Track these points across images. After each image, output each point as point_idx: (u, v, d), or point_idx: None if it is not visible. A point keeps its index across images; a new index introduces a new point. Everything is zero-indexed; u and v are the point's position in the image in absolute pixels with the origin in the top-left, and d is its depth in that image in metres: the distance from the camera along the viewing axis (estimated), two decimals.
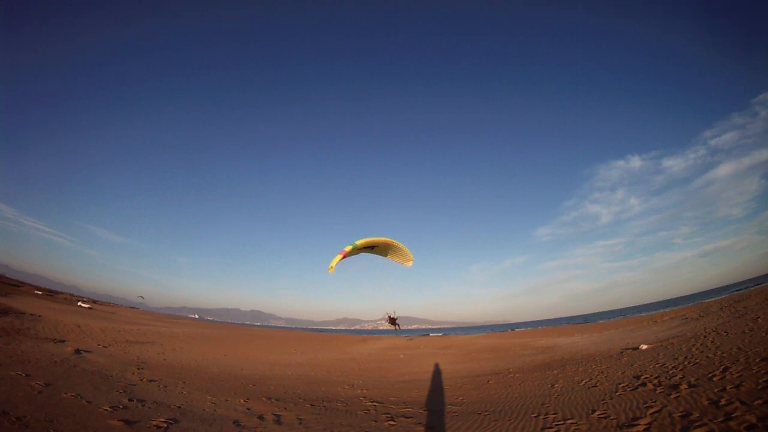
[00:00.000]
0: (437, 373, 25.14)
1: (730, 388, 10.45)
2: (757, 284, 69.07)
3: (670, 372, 14.05)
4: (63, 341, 22.81)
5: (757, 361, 12.43)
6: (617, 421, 10.12)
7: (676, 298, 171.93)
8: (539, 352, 32.26)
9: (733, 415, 8.66)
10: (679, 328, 27.84)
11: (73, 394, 11.58)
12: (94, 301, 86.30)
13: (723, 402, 9.55)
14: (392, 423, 12.24)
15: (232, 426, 10.98)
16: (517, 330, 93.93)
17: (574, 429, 10.11)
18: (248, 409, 13.41)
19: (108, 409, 10.62)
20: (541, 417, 11.67)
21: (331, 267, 19.72)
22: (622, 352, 21.95)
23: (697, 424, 8.73)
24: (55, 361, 16.48)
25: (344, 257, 20.34)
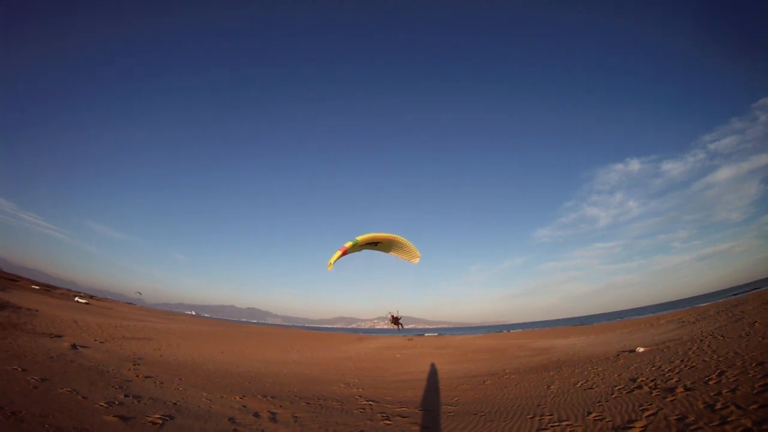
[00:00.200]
0: (433, 373, 25.14)
1: (726, 392, 10.46)
2: (755, 288, 69.19)
3: (667, 375, 14.06)
4: (60, 336, 22.79)
5: (754, 365, 12.44)
6: (613, 423, 10.13)
7: (674, 301, 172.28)
8: (536, 353, 32.28)
9: (729, 419, 8.66)
10: (676, 332, 27.88)
11: (69, 389, 11.55)
12: (92, 297, 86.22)
13: (719, 406, 9.56)
14: (388, 422, 12.23)
15: (227, 423, 10.96)
16: (513, 331, 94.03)
17: (570, 431, 10.11)
18: (244, 406, 13.40)
19: (104, 404, 10.60)
20: (537, 418, 11.67)
21: (330, 264, 19.48)
22: (618, 355, 21.97)
23: (692, 427, 8.74)
24: (52, 356, 16.45)
25: (344, 254, 20.01)
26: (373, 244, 21.78)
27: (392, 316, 25.57)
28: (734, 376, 11.75)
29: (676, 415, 9.69)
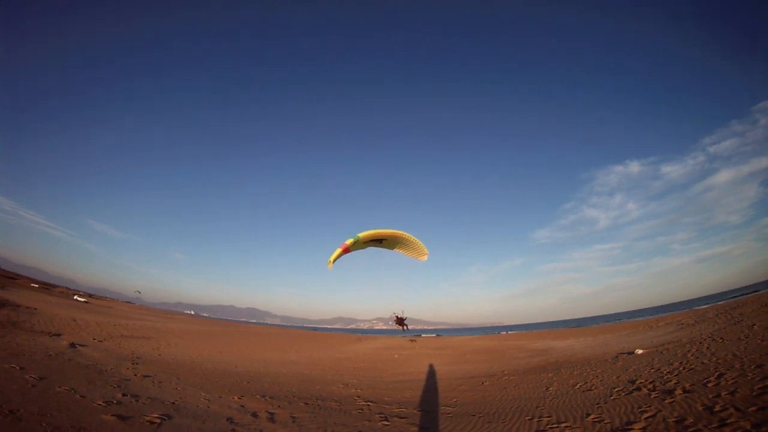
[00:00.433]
0: (432, 373, 25.12)
1: (725, 394, 10.45)
2: (754, 291, 69.21)
3: (665, 377, 14.05)
4: (58, 335, 22.77)
5: (753, 368, 12.43)
6: (612, 425, 10.12)
7: (673, 303, 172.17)
8: (534, 354, 32.27)
9: (728, 422, 8.65)
10: (675, 334, 27.87)
11: (67, 388, 11.53)
12: (90, 295, 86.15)
13: (718, 408, 9.55)
14: (386, 423, 12.22)
15: (225, 423, 10.95)
16: (512, 332, 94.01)
17: None
18: (242, 406, 13.38)
19: (102, 403, 10.58)
20: (536, 420, 11.67)
21: (330, 262, 19.20)
22: (617, 357, 21.97)
23: (691, 429, 8.73)
24: (50, 355, 16.43)
25: (345, 252, 19.45)
26: (378, 242, 21.11)
27: (397, 316, 25.16)
28: (733, 379, 11.74)
29: (675, 417, 9.68)
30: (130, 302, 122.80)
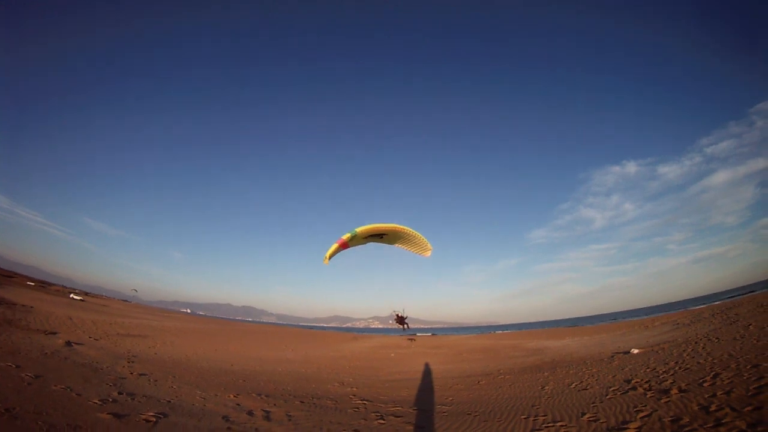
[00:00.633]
0: (428, 372, 25.13)
1: (721, 394, 10.48)
2: (750, 292, 69.45)
3: (661, 377, 14.08)
4: (54, 333, 22.71)
5: (748, 367, 12.47)
6: (607, 424, 10.14)
7: (669, 303, 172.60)
8: (530, 354, 32.33)
9: (724, 421, 8.68)
10: (671, 334, 27.94)
11: (63, 386, 11.51)
12: (87, 294, 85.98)
13: (713, 408, 9.58)
14: (382, 422, 12.22)
15: (221, 421, 10.93)
16: (508, 331, 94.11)
17: (564, 431, 10.12)
18: (238, 404, 13.37)
19: (97, 402, 10.56)
20: (531, 419, 11.68)
21: (326, 258, 18.64)
22: (613, 356, 22.01)
23: (687, 429, 8.75)
24: (46, 353, 16.40)
25: (342, 247, 19.17)
26: (378, 237, 20.56)
27: (398, 315, 24.84)
28: (729, 378, 11.77)
29: (671, 416, 9.71)
30: (126, 301, 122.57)
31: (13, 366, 12.88)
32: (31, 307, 31.83)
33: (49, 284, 78.29)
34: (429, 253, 21.48)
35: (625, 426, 9.70)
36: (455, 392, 17.38)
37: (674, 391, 11.80)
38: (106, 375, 14.68)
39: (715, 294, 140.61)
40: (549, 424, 10.84)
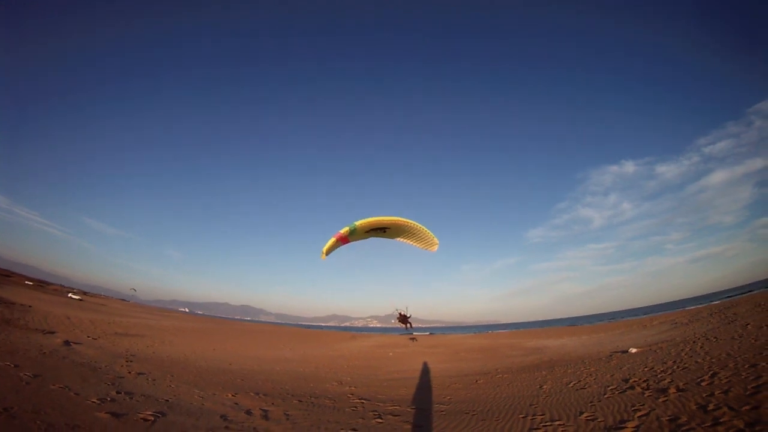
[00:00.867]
0: (425, 371, 25.13)
1: (719, 393, 10.50)
2: (748, 291, 69.53)
3: (659, 376, 14.11)
4: (52, 332, 22.68)
5: (746, 367, 12.49)
6: (605, 423, 10.16)
7: (667, 303, 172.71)
8: (528, 353, 32.35)
9: (721, 420, 8.69)
10: (669, 333, 27.99)
11: (61, 385, 11.49)
12: (85, 293, 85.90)
13: (711, 407, 9.59)
14: (380, 421, 12.23)
15: (219, 420, 10.93)
16: (506, 331, 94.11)
17: (562, 430, 10.13)
18: (236, 403, 13.37)
19: (96, 401, 10.55)
20: (529, 418, 11.69)
21: (323, 253, 18.18)
22: (611, 355, 22.03)
23: (685, 428, 8.77)
24: (44, 353, 16.37)
25: (342, 242, 18.49)
26: (380, 231, 19.57)
27: (400, 314, 24.33)
28: (727, 378, 11.80)
29: (669, 415, 9.72)
30: (124, 300, 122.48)
31: (12, 365, 12.86)
32: (30, 306, 31.79)
33: (48, 283, 78.22)
34: (436, 248, 20.53)
35: (623, 425, 9.71)
36: (453, 391, 17.39)
37: (672, 390, 11.82)
38: (104, 374, 14.67)
39: (713, 293, 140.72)
40: (547, 423, 10.85)
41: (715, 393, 10.57)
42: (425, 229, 19.47)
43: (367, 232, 19.18)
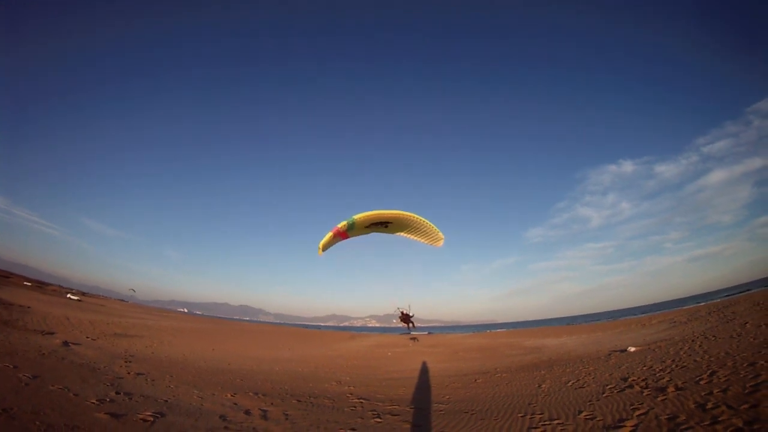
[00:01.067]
0: (424, 371, 25.13)
1: (717, 391, 10.52)
2: (746, 290, 69.61)
3: (658, 375, 14.12)
4: (51, 333, 22.67)
5: (745, 365, 12.51)
6: (604, 422, 10.17)
7: (665, 302, 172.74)
8: (527, 352, 32.37)
9: (720, 419, 8.71)
10: (668, 332, 28.02)
11: (61, 386, 11.48)
12: (84, 294, 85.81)
13: (710, 405, 9.61)
14: (378, 420, 12.23)
15: (218, 420, 10.93)
16: (505, 330, 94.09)
17: (561, 429, 10.14)
18: (235, 403, 13.37)
19: (95, 401, 10.54)
20: (528, 417, 11.71)
21: (320, 248, 17.61)
22: (609, 354, 22.05)
23: (683, 427, 8.78)
24: (43, 353, 16.36)
25: (341, 237, 17.85)
26: (382, 226, 18.76)
27: (402, 312, 23.68)
28: (725, 376, 11.82)
29: (667, 414, 9.74)
30: (123, 300, 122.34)
31: (11, 366, 12.85)
32: (28, 307, 31.75)
33: (46, 284, 78.15)
34: (441, 243, 19.79)
35: (622, 424, 9.73)
36: (452, 390, 17.39)
37: (671, 388, 11.84)
38: (103, 375, 14.66)
39: (711, 292, 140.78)
40: (546, 422, 10.86)
41: (714, 391, 10.59)
42: (429, 223, 18.80)
43: (367, 227, 18.57)
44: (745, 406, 9.11)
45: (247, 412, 12.25)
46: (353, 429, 11.22)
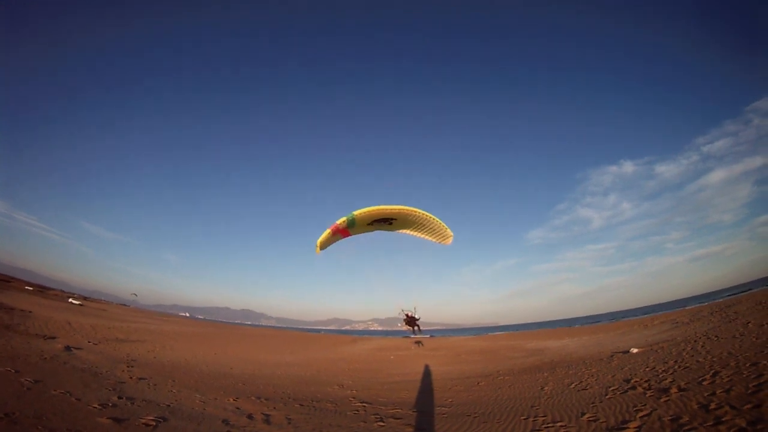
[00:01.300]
0: (427, 374, 25.07)
1: (720, 392, 10.50)
2: (748, 290, 69.52)
3: (661, 376, 14.10)
4: (53, 338, 22.66)
5: (747, 365, 12.50)
6: (607, 424, 10.15)
7: (667, 302, 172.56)
8: (529, 354, 32.30)
9: (723, 419, 8.69)
10: (670, 332, 27.97)
11: (63, 391, 11.49)
12: (85, 298, 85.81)
13: (713, 406, 9.60)
14: (381, 424, 12.21)
15: (221, 425, 10.92)
16: (506, 332, 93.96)
17: (564, 431, 10.12)
18: (237, 408, 13.35)
19: (97, 406, 10.55)
20: (531, 419, 11.68)
21: (318, 246, 17.32)
22: (612, 356, 22.01)
23: (686, 427, 8.77)
24: (45, 358, 16.36)
25: (342, 235, 17.30)
26: (386, 223, 17.83)
27: (407, 315, 22.93)
28: (728, 377, 11.80)
29: (670, 415, 9.72)
30: (125, 305, 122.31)
31: (13, 371, 12.86)
32: (30, 311, 31.74)
33: (48, 289, 78.17)
34: (450, 240, 18.92)
35: (625, 425, 9.71)
36: (455, 394, 17.36)
37: (674, 389, 11.82)
38: (105, 379, 14.65)
39: (713, 292, 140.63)
40: (549, 425, 10.84)
41: (717, 392, 10.57)
42: (437, 219, 17.97)
43: (370, 224, 17.81)
44: (748, 406, 9.10)
45: (250, 417, 12.23)
46: None
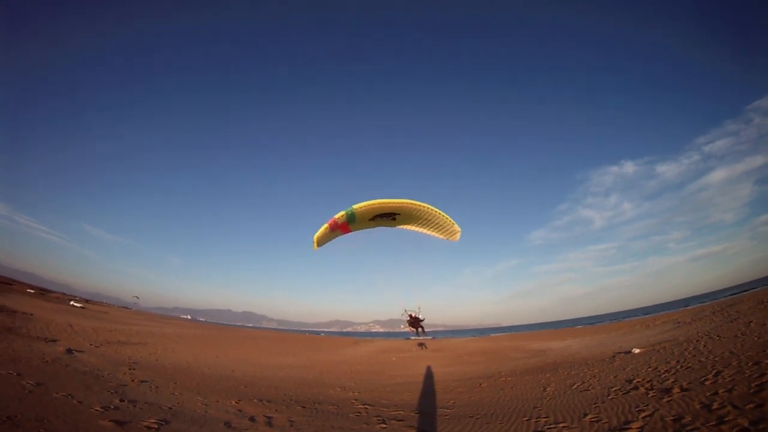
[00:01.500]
0: (429, 376, 25.06)
1: (723, 392, 10.48)
2: (750, 289, 69.42)
3: (663, 376, 14.08)
4: (54, 340, 22.65)
5: (750, 365, 12.47)
6: (609, 424, 10.14)
7: (669, 302, 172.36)
8: (531, 355, 32.30)
9: (726, 419, 8.68)
10: (672, 332, 27.93)
11: (64, 393, 11.48)
12: (87, 301, 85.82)
13: (715, 406, 9.58)
14: (384, 426, 12.20)
15: (223, 427, 10.91)
16: (508, 333, 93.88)
17: None
18: (239, 410, 13.34)
19: (99, 409, 10.54)
20: (533, 420, 11.67)
21: (315, 242, 16.68)
22: (614, 356, 21.99)
23: (689, 428, 8.75)
24: (47, 361, 16.35)
25: (342, 230, 16.55)
26: (389, 218, 16.99)
27: (411, 316, 22.39)
28: (730, 376, 11.78)
29: (673, 415, 9.71)
30: (126, 307, 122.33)
31: (14, 374, 12.85)
32: (31, 314, 31.74)
33: (49, 291, 78.17)
34: (458, 236, 17.99)
35: (628, 426, 9.70)
36: (457, 395, 17.35)
37: (676, 390, 11.80)
38: (107, 382, 14.64)
39: (715, 291, 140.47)
40: (551, 426, 10.83)
41: (719, 392, 10.55)
42: (444, 214, 17.00)
43: (371, 219, 16.97)
44: (751, 405, 9.09)
45: (252, 419, 12.23)
46: None
